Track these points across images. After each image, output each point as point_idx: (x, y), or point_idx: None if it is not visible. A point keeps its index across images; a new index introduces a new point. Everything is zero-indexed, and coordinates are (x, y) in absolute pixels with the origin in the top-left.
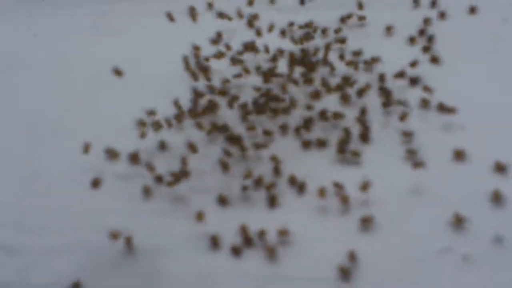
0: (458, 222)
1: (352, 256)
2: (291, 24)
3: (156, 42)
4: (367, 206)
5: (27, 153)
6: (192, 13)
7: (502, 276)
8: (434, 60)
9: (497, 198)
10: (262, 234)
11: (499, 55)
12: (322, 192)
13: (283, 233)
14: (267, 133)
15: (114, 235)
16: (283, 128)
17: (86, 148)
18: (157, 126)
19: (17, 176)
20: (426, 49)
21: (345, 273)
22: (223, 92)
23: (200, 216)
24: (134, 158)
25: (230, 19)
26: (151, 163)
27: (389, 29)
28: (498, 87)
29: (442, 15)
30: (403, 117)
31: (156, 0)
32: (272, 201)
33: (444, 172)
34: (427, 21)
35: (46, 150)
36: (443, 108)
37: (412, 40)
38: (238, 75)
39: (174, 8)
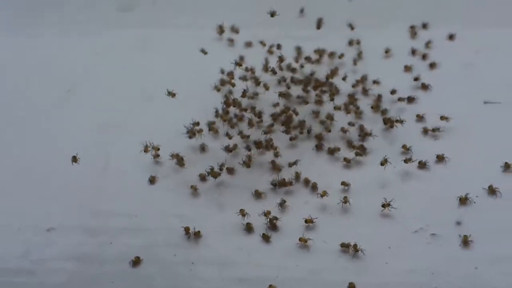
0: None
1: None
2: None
3: (192, 62)
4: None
5: (98, 151)
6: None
7: None
8: (424, 87)
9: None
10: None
11: (472, 80)
12: (324, 193)
13: (308, 221)
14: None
15: (187, 230)
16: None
17: (146, 149)
18: (200, 132)
19: (92, 169)
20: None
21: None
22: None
23: (242, 212)
24: (179, 160)
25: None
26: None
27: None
28: (468, 107)
29: (427, 59)
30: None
31: (189, 25)
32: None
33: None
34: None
35: (113, 148)
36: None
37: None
38: (283, 94)
39: (206, 34)
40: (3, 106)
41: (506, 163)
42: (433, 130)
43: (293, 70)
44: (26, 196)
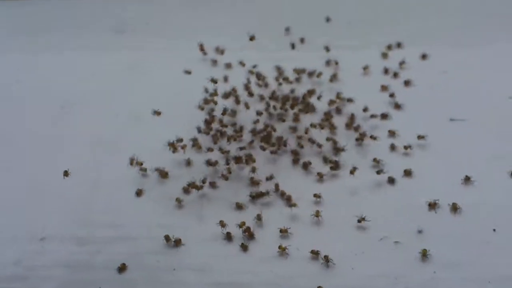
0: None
1: None
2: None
3: (177, 82)
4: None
5: (89, 165)
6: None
7: None
8: (397, 106)
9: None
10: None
11: (439, 98)
12: (294, 204)
13: (283, 231)
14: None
15: (167, 238)
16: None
17: (132, 162)
18: (184, 147)
19: (83, 182)
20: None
21: None
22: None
23: (222, 223)
24: (162, 174)
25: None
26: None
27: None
28: (436, 124)
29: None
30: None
31: (176, 48)
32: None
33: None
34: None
35: (104, 163)
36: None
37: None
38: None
39: (191, 56)
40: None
41: (466, 176)
42: (405, 147)
43: (273, 93)
44: (21, 208)
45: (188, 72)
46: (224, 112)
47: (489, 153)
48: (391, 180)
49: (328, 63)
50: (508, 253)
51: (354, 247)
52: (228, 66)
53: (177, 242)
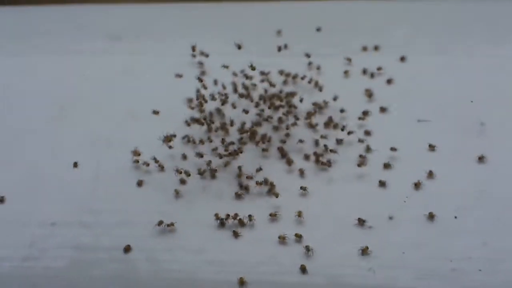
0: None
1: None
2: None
3: (168, 83)
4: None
5: (90, 160)
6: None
7: None
8: (382, 109)
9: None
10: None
11: (408, 101)
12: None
13: (272, 215)
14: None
15: (160, 222)
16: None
17: (135, 153)
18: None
19: (87, 175)
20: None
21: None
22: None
23: (217, 216)
24: (160, 165)
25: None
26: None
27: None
28: (404, 124)
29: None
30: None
31: (169, 53)
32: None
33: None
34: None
35: (104, 157)
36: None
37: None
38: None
39: (183, 60)
40: (6, 121)
41: (430, 171)
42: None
43: (263, 98)
44: (32, 197)
45: (179, 76)
46: (214, 97)
47: (452, 148)
48: (362, 163)
49: (310, 66)
50: (467, 236)
51: (332, 230)
52: (216, 69)
53: (170, 226)
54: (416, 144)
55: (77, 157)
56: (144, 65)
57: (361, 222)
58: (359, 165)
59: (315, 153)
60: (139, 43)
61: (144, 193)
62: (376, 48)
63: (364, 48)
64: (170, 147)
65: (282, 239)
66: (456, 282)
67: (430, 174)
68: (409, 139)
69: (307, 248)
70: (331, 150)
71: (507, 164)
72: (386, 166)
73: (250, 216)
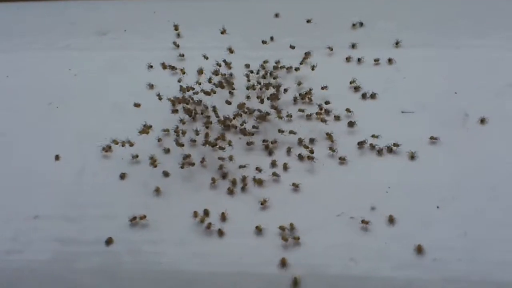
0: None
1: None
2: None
3: (152, 78)
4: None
5: (76, 153)
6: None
7: None
8: (366, 97)
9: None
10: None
11: (392, 93)
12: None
13: (263, 203)
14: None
15: (141, 217)
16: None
17: (115, 142)
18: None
19: (72, 168)
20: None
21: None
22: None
23: (195, 214)
24: (153, 160)
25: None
26: (155, 161)
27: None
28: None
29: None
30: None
31: (153, 48)
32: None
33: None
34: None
35: (90, 151)
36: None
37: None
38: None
39: (169, 54)
40: None
41: (412, 156)
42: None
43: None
44: (16, 191)
45: (164, 67)
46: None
47: (437, 139)
48: (343, 160)
49: (301, 63)
50: (448, 227)
51: (316, 221)
52: (201, 59)
53: (142, 218)
54: (400, 134)
55: (62, 151)
56: (129, 60)
57: (344, 213)
58: (340, 160)
59: (299, 155)
60: (125, 38)
61: (127, 186)
62: (353, 45)
63: (353, 45)
64: (146, 132)
65: (259, 230)
66: (436, 271)
67: (412, 157)
68: (393, 129)
69: (295, 238)
70: (309, 156)
71: (489, 155)
72: (371, 154)
73: (223, 213)
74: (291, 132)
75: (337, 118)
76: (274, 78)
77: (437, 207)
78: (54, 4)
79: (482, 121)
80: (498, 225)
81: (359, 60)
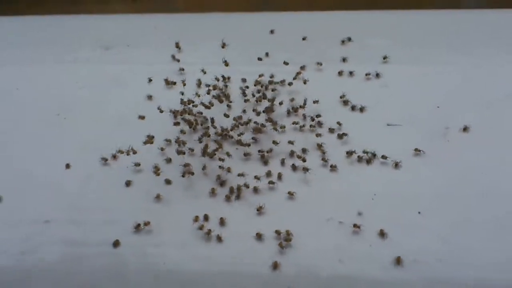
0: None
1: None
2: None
3: (156, 92)
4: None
5: (83, 162)
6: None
7: None
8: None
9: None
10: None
11: (380, 107)
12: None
13: (259, 209)
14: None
15: (145, 223)
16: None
17: (120, 151)
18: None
19: (79, 176)
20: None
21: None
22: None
23: (196, 219)
24: (156, 169)
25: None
26: (158, 169)
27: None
28: (375, 128)
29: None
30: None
31: (155, 62)
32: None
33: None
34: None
35: (96, 160)
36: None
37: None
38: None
39: (170, 68)
40: (5, 124)
41: (396, 164)
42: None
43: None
44: (27, 197)
45: (167, 83)
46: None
47: (419, 150)
48: (334, 168)
49: (295, 78)
50: (430, 231)
51: (306, 226)
52: (200, 73)
53: (146, 224)
54: (385, 146)
55: (70, 159)
56: (133, 73)
57: (332, 218)
58: (331, 167)
59: (293, 165)
60: (128, 53)
61: (131, 193)
62: (344, 59)
63: (344, 59)
64: (151, 142)
65: (258, 236)
66: (417, 272)
67: (397, 171)
68: (379, 142)
69: (288, 234)
70: (304, 167)
71: (469, 165)
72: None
73: (221, 218)
74: (290, 142)
75: (331, 130)
76: (272, 90)
77: (419, 212)
78: (62, 18)
79: (465, 129)
80: (479, 229)
81: (350, 73)
